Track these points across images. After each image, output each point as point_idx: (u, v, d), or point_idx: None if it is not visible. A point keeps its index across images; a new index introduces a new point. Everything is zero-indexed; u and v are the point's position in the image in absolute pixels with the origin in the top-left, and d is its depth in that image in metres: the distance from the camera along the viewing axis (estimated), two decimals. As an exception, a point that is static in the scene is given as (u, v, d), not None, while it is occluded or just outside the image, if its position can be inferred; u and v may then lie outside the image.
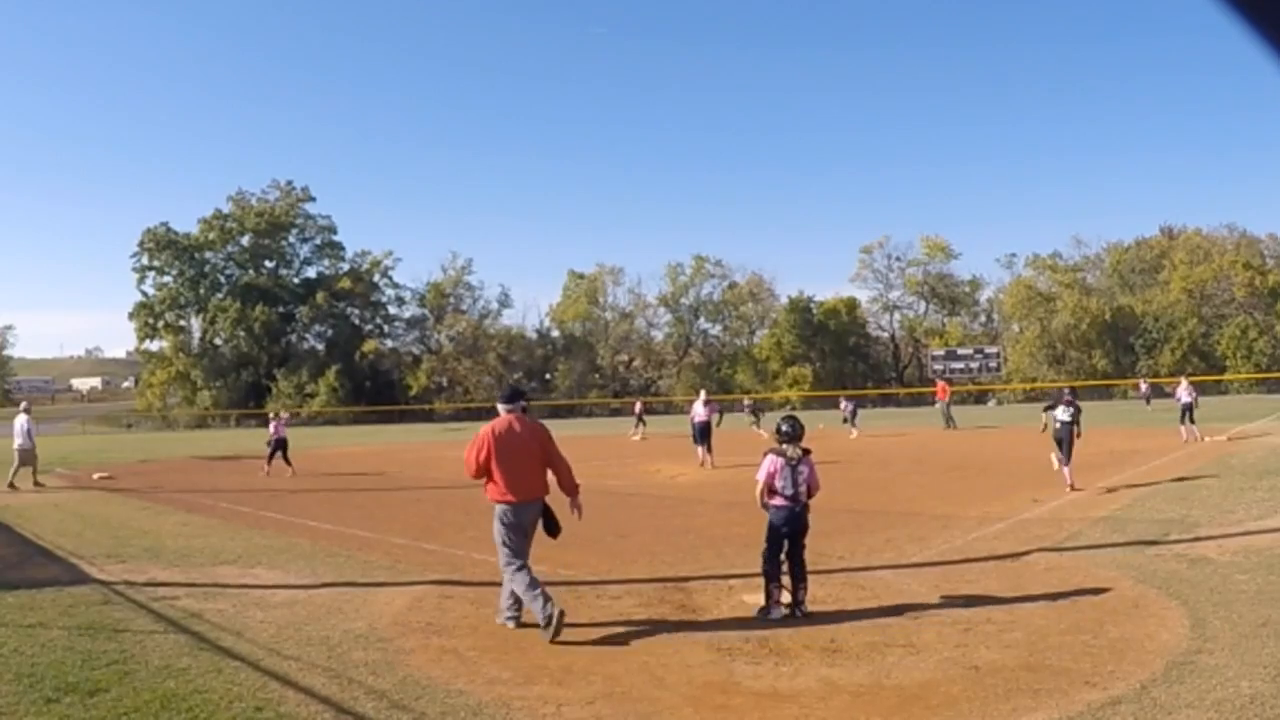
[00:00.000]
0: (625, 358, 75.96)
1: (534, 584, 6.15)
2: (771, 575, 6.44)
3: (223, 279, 76.57)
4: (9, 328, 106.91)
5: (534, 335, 76.67)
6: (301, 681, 5.08)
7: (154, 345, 76.18)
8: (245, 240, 76.37)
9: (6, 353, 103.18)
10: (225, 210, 76.25)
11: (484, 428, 6.65)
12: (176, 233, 74.77)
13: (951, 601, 6.62)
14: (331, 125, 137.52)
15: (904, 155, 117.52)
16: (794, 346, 68.45)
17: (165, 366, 74.15)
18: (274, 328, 72.93)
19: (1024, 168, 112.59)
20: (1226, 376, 56.52)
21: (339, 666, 5.39)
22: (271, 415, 22.43)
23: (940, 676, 4.97)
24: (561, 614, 5.93)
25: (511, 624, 6.31)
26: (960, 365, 62.02)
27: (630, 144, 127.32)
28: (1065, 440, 12.78)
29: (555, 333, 76.76)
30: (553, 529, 6.59)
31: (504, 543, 6.41)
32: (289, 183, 77.68)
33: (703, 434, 19.30)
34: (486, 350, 72.36)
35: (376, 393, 69.79)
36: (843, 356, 69.96)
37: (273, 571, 8.55)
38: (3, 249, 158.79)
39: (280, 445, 19.88)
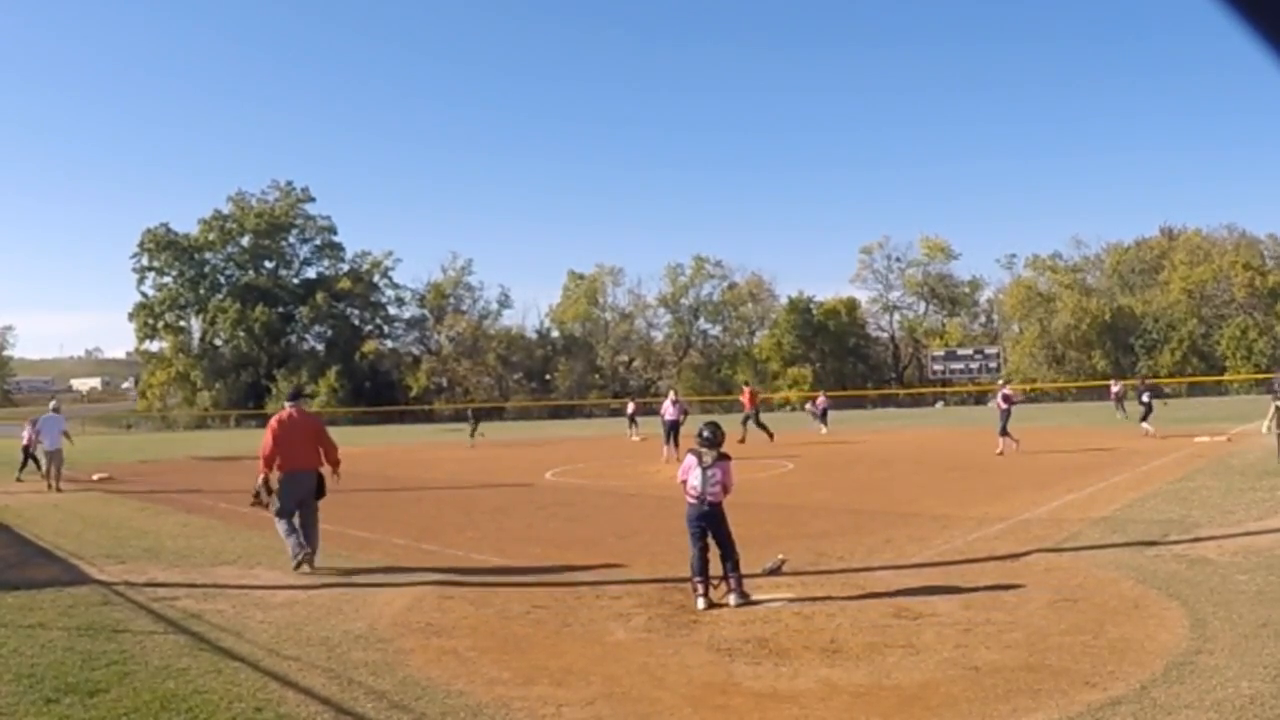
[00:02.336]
0: (625, 358, 75.98)
1: (291, 529, 8.52)
2: (695, 570, 6.83)
3: (223, 279, 76.62)
4: (9, 328, 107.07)
5: (534, 335, 76.71)
6: (301, 682, 5.08)
7: (154, 346, 76.38)
8: (245, 241, 76.43)
9: (6, 353, 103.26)
10: (225, 211, 76.34)
11: (272, 419, 9.06)
12: (176, 233, 74.84)
13: (951, 601, 6.62)
14: (331, 125, 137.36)
15: (904, 155, 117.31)
16: (794, 347, 68.45)
17: (165, 367, 74.24)
18: (274, 328, 72.96)
19: (1024, 168, 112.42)
20: (1226, 377, 56.48)
21: (339, 667, 5.39)
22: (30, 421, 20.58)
23: (940, 677, 4.97)
24: (308, 556, 8.39)
25: (306, 567, 8.36)
26: (960, 365, 62.12)
27: (630, 144, 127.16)
28: None
29: (555, 333, 76.78)
30: (319, 493, 8.85)
31: (279, 498, 8.64)
32: (289, 183, 77.82)
33: (671, 432, 20.52)
34: (486, 351, 72.39)
35: (376, 393, 69.80)
36: (843, 357, 69.96)
37: (273, 572, 8.55)
38: (3, 249, 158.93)
39: (28, 454, 19.07)
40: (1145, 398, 23.21)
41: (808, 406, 32.59)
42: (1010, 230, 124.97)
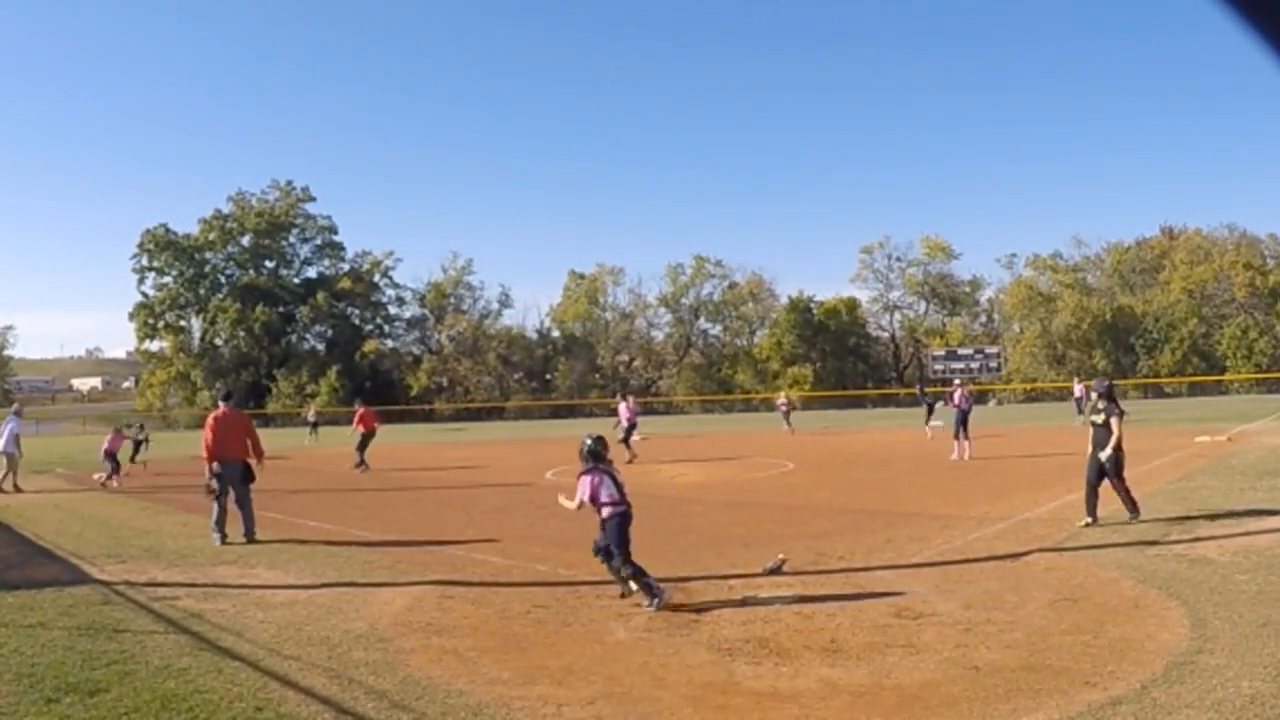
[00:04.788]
0: (625, 358, 75.91)
1: (221, 515, 10.09)
2: (640, 570, 6.80)
3: (223, 279, 76.54)
4: (9, 328, 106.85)
5: (534, 335, 76.63)
6: (302, 682, 5.08)
7: (154, 345, 76.25)
8: (245, 240, 76.34)
9: (6, 353, 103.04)
10: (225, 210, 76.23)
11: (209, 417, 10.63)
12: (176, 233, 74.75)
13: (952, 601, 6.62)
14: (331, 125, 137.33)
15: (904, 155, 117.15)
16: (794, 346, 68.40)
17: (165, 367, 74.18)
18: (274, 328, 72.89)
19: (1024, 168, 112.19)
20: (1227, 377, 56.49)
21: (339, 666, 5.39)
22: None
23: (940, 676, 4.97)
24: (224, 537, 9.99)
25: (217, 540, 9.96)
26: (960, 365, 61.94)
27: (630, 144, 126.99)
28: None
29: (555, 333, 76.73)
30: (249, 479, 10.45)
31: (214, 481, 10.17)
32: (289, 183, 77.69)
33: (627, 435, 21.24)
34: (487, 350, 72.33)
35: (377, 393, 69.56)
36: (843, 357, 69.90)
37: (273, 571, 8.55)
38: (3, 249, 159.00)
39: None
40: (928, 402, 25.83)
41: (781, 405, 33.18)
42: (1010, 230, 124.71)
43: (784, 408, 32.70)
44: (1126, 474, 9.81)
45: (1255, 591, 6.46)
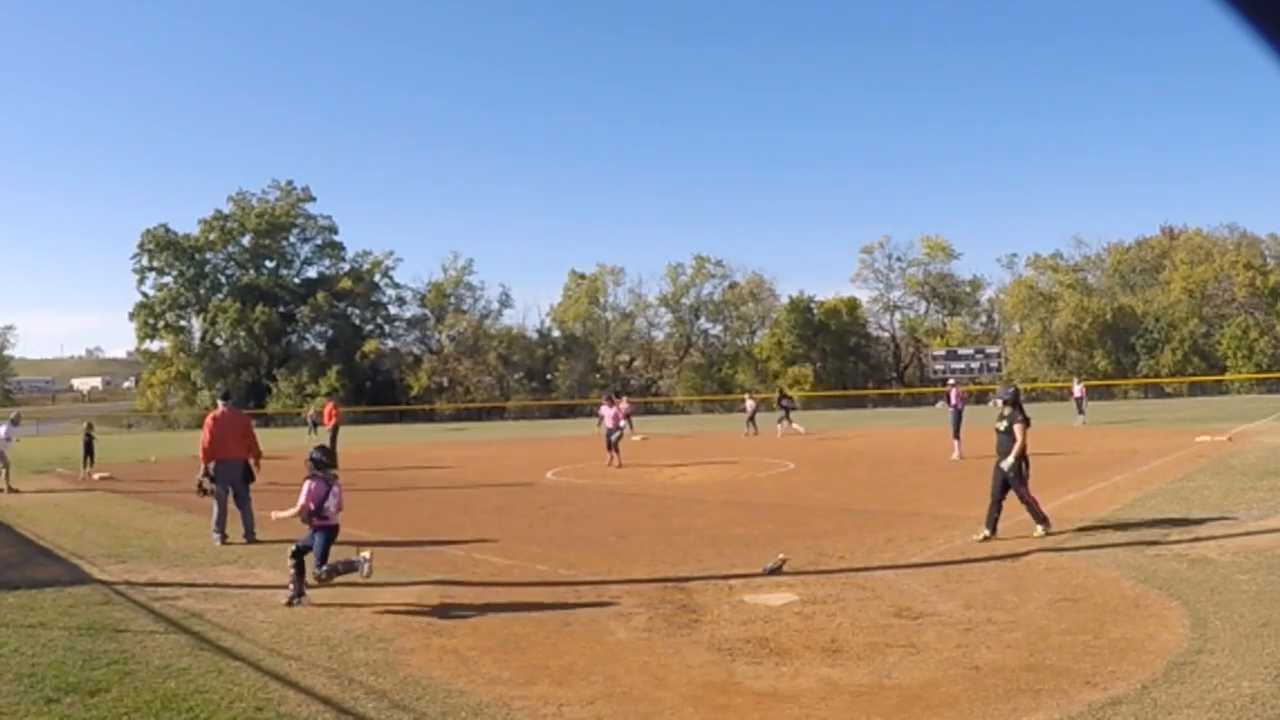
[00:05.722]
0: (626, 358, 75.89)
1: (222, 515, 10.11)
2: (334, 572, 7.06)
3: (223, 279, 76.56)
4: (9, 328, 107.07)
5: (534, 335, 76.62)
6: (302, 681, 5.09)
7: (154, 345, 76.32)
8: (245, 240, 76.35)
9: (7, 353, 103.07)
10: (225, 210, 76.24)
11: (208, 417, 10.69)
12: (176, 233, 74.76)
13: (952, 601, 6.62)
14: (332, 125, 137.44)
15: (904, 155, 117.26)
16: (794, 346, 68.39)
17: (165, 366, 74.23)
18: (274, 328, 72.91)
19: (1024, 168, 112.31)
20: (1227, 376, 56.48)
21: (339, 666, 5.40)
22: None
23: (941, 676, 4.97)
24: (224, 538, 10.00)
25: (218, 540, 9.96)
26: (961, 365, 62.02)
27: (630, 144, 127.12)
28: None
29: (556, 333, 76.72)
30: (249, 478, 10.46)
31: (215, 482, 10.22)
32: (289, 183, 77.69)
33: (612, 437, 20.25)
34: (487, 350, 72.31)
35: (377, 393, 69.77)
36: (843, 356, 69.88)
37: (273, 571, 8.55)
38: (3, 249, 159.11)
39: None
40: (786, 406, 29.05)
41: (749, 406, 33.19)
42: (1010, 230, 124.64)
43: (751, 409, 32.48)
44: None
45: (1255, 591, 6.46)
